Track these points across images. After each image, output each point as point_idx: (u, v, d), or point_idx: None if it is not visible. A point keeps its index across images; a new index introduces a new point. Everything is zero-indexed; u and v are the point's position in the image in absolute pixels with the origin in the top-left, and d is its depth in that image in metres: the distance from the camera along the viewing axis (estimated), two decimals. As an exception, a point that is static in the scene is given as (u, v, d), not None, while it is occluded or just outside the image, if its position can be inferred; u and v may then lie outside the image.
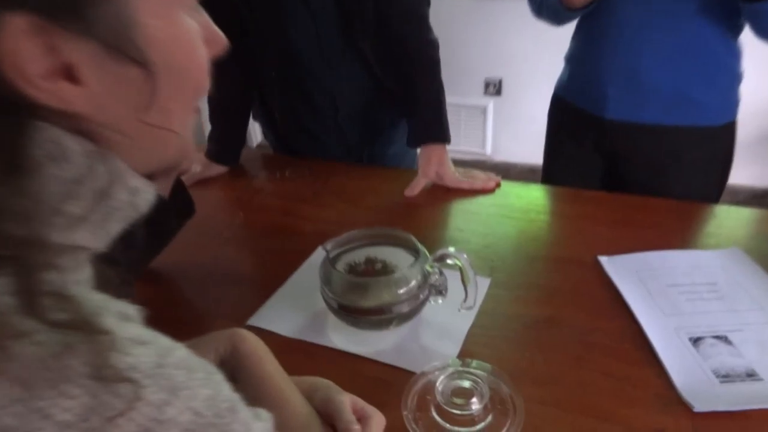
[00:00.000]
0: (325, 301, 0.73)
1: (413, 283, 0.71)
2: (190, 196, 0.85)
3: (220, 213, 1.06)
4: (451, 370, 0.63)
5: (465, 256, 0.70)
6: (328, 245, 0.77)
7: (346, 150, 1.27)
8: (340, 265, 0.77)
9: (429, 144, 1.08)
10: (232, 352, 0.57)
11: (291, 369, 0.68)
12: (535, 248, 0.89)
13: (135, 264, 0.85)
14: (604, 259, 0.84)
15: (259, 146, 2.75)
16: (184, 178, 1.16)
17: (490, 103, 2.77)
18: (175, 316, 0.80)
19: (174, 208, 0.82)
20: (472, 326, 0.73)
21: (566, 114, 1.21)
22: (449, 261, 0.70)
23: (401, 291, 0.70)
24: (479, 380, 0.61)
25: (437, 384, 0.60)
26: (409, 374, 0.66)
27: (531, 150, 2.80)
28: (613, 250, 0.85)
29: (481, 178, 1.09)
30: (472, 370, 0.63)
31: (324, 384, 0.58)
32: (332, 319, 0.74)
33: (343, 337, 0.73)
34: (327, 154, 1.26)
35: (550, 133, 1.30)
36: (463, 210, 1.02)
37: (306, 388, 0.58)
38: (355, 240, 0.80)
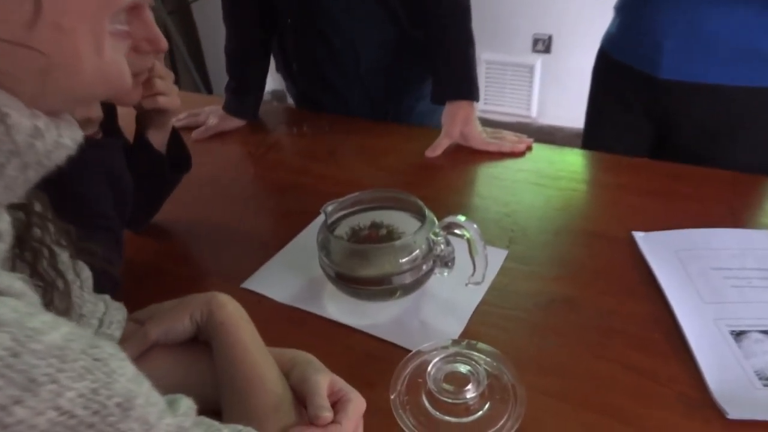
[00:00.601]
0: (323, 268, 0.68)
1: (417, 252, 0.64)
2: (186, 149, 0.80)
3: (230, 169, 1.02)
4: (449, 351, 0.57)
5: (475, 226, 0.63)
6: (329, 207, 0.71)
7: (370, 106, 1.19)
8: (342, 229, 0.71)
9: (454, 100, 0.99)
10: (208, 319, 0.53)
11: (278, 338, 0.64)
12: (562, 219, 0.80)
13: (132, 220, 0.81)
14: (639, 235, 0.74)
15: (276, 97, 2.69)
16: (199, 131, 1.13)
17: (538, 62, 2.59)
18: (171, 271, 0.77)
19: (167, 161, 0.77)
20: (480, 303, 0.66)
21: (613, 72, 1.08)
22: (457, 231, 0.63)
23: (403, 260, 0.64)
24: (479, 365, 0.55)
25: (430, 367, 0.54)
26: (404, 352, 0.60)
27: (580, 114, 2.62)
28: (651, 226, 0.75)
29: (510, 140, 0.99)
30: (472, 353, 0.57)
31: (304, 359, 0.53)
32: (330, 287, 0.69)
33: (339, 307, 0.68)
34: (349, 109, 1.18)
35: (593, 94, 1.17)
36: (486, 174, 0.93)
37: (285, 363, 0.53)
38: (360, 203, 0.74)
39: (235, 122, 1.15)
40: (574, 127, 2.65)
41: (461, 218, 0.63)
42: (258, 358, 0.50)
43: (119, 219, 0.69)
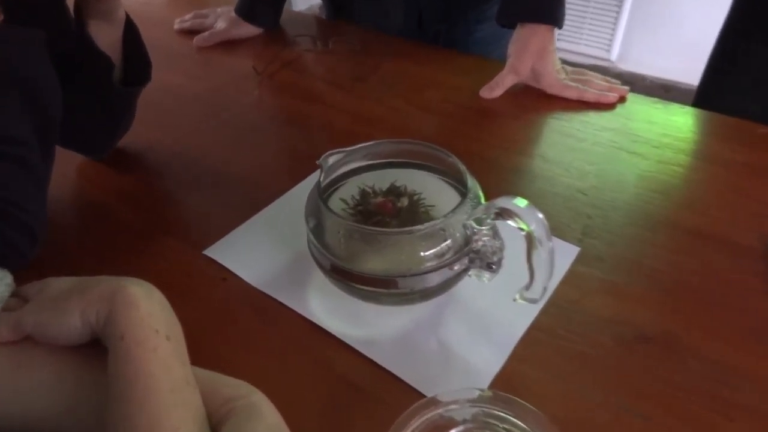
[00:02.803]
0: (311, 251, 0.48)
1: (448, 242, 0.43)
2: (145, 53, 0.59)
3: (230, 88, 0.80)
4: (474, 409, 0.37)
5: (540, 216, 0.40)
6: (330, 159, 0.49)
7: (417, 24, 0.94)
8: (347, 191, 0.50)
9: (529, 23, 0.73)
10: (106, 324, 0.34)
11: (235, 337, 0.45)
12: (661, 208, 0.56)
13: (87, 144, 0.62)
14: (780, 248, 0.50)
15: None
16: (202, 36, 0.91)
17: (629, -5, 2.21)
18: (121, 218, 0.58)
19: (118, 68, 0.57)
20: (530, 327, 0.45)
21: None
22: (511, 222, 0.40)
23: (427, 253, 0.43)
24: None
25: (444, 438, 0.35)
26: (409, 394, 0.40)
27: (670, 62, 2.26)
28: (800, 235, 0.51)
29: (597, 86, 0.74)
30: (508, 416, 0.36)
31: (247, 407, 0.34)
32: (319, 274, 0.49)
33: (327, 306, 0.48)
34: (390, 25, 0.94)
35: (729, 26, 0.83)
36: (558, 130, 0.69)
37: (217, 407, 0.34)
38: (376, 155, 0.52)
39: (247, 29, 0.92)
40: (661, 78, 2.29)
41: (521, 203, 0.41)
42: (164, 406, 0.31)
43: (41, 144, 0.50)
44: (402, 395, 0.40)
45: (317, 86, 0.80)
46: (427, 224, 0.42)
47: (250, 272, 0.51)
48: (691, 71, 2.29)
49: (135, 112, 0.66)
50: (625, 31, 2.29)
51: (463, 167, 0.47)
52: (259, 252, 0.53)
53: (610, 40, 2.30)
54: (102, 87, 0.56)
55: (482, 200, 0.46)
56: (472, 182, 0.46)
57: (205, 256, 0.53)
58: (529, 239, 0.40)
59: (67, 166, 0.65)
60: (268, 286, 0.49)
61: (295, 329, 0.46)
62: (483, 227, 0.42)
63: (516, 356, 0.43)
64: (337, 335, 0.45)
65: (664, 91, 2.24)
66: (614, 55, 2.34)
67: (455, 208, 0.43)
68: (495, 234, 0.43)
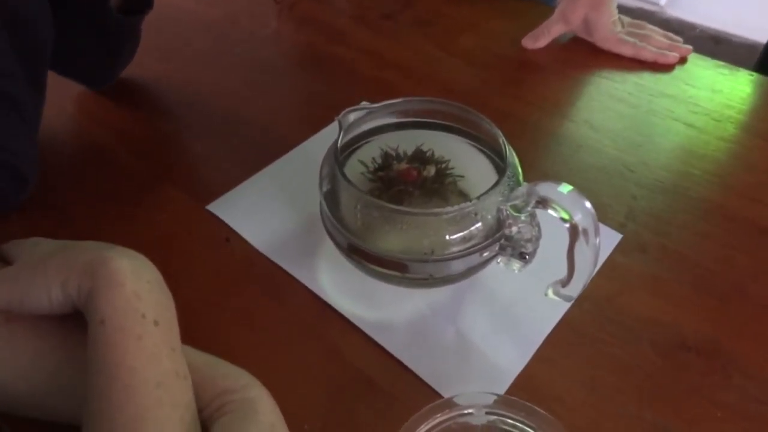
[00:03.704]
0: (324, 223, 0.43)
1: (478, 225, 0.38)
2: None
3: (244, 19, 0.73)
4: (490, 417, 0.33)
5: (589, 206, 0.35)
6: (351, 116, 0.44)
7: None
8: (367, 153, 0.45)
9: (586, -35, 0.64)
10: (87, 302, 0.30)
11: (235, 311, 0.41)
12: (719, 194, 0.50)
13: (86, 74, 0.57)
14: None
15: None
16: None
17: (690, -69, 2.00)
18: (121, 162, 0.54)
19: None
20: (559, 323, 0.41)
21: None
22: (552, 212, 0.35)
23: (453, 237, 0.38)
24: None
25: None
26: (421, 389, 0.37)
27: (724, 11, 2.07)
28: None
29: (656, 42, 0.65)
30: (526, 428, 0.33)
31: (243, 404, 0.31)
32: (331, 245, 0.44)
33: (339, 283, 0.44)
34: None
35: None
36: (609, 92, 0.61)
37: (210, 400, 0.31)
38: (401, 114, 0.46)
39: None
40: (713, 29, 2.12)
41: (566, 189, 0.35)
42: (147, 406, 0.28)
43: (29, 74, 0.45)
44: (413, 391, 0.37)
45: (341, 22, 0.72)
46: (456, 207, 0.37)
47: (256, 234, 0.47)
48: (746, 23, 2.12)
49: (139, 39, 0.59)
50: (679, -27, 2.10)
51: (501, 136, 0.41)
52: (268, 212, 0.48)
53: (663, -18, 2.11)
54: (98, 14, 0.50)
55: (521, 178, 0.41)
56: (510, 155, 0.41)
57: (208, 211, 0.49)
58: (573, 232, 0.35)
59: (63, 98, 0.60)
60: (275, 253, 0.45)
61: (302, 306, 0.42)
62: (521, 216, 0.37)
63: (541, 356, 0.39)
64: (347, 316, 0.41)
65: (714, 43, 2.08)
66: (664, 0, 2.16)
67: (490, 189, 0.37)
68: (532, 220, 0.38)
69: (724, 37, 2.10)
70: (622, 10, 0.66)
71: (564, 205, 0.35)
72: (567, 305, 0.41)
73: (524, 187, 0.36)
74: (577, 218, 0.35)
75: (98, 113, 0.59)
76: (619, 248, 0.46)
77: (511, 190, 0.39)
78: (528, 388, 0.37)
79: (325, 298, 0.42)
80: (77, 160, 0.54)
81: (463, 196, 0.44)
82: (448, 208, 0.37)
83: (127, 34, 0.55)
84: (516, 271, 0.40)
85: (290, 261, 0.44)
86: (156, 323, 0.30)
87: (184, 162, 0.54)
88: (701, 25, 2.12)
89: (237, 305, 0.42)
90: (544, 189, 0.35)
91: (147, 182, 0.52)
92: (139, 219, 0.49)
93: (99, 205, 0.50)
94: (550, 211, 0.35)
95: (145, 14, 0.54)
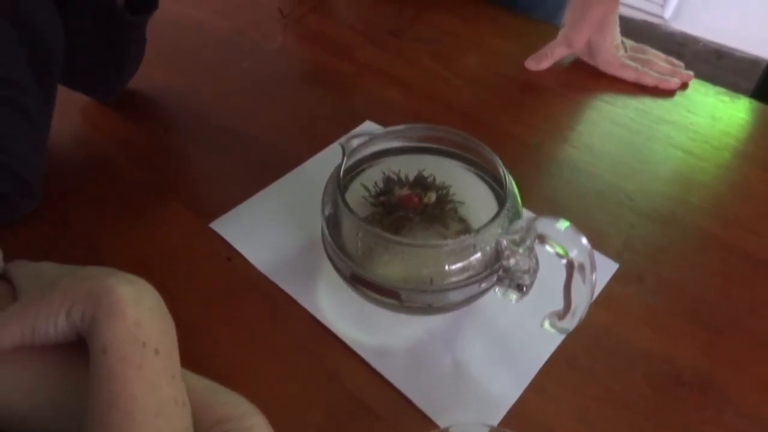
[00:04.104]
0: (323, 243, 0.43)
1: (477, 256, 0.38)
2: None
3: (250, 30, 0.74)
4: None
5: (584, 242, 0.35)
6: (354, 141, 0.44)
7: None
8: (369, 177, 0.46)
9: (591, -11, 0.64)
10: (90, 329, 0.31)
11: (231, 334, 0.42)
12: (717, 225, 0.51)
13: (90, 84, 0.57)
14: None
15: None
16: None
17: (696, -55, 2.01)
18: (126, 176, 0.54)
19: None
20: (554, 353, 0.41)
21: None
22: (549, 248, 0.35)
23: (453, 267, 0.38)
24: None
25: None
26: (417, 418, 0.37)
27: (729, 26, 2.08)
28: None
29: (659, 68, 0.66)
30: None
31: (244, 430, 0.31)
32: (331, 268, 0.44)
33: (339, 307, 0.44)
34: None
35: None
36: (610, 117, 0.62)
37: (208, 425, 0.31)
38: (404, 137, 0.47)
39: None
40: (717, 43, 2.13)
41: (563, 225, 0.36)
42: (148, 422, 0.28)
43: (39, 84, 0.45)
44: (408, 418, 0.37)
45: (347, 37, 0.73)
46: (456, 240, 0.37)
47: (257, 254, 0.47)
48: (749, 38, 2.13)
49: (144, 47, 0.60)
50: (685, -14, 2.10)
51: (502, 166, 0.42)
52: (270, 232, 0.49)
53: (667, -5, 2.12)
54: (103, 13, 0.50)
55: (520, 208, 0.41)
56: (510, 186, 0.41)
57: (211, 229, 0.49)
58: (570, 268, 0.36)
59: (71, 108, 0.60)
60: (276, 273, 0.46)
61: (301, 329, 0.43)
62: (520, 249, 0.37)
63: (535, 386, 0.39)
64: (345, 341, 0.41)
65: (717, 56, 2.08)
66: (668, 12, 2.16)
67: (490, 222, 0.38)
68: (530, 253, 0.39)
69: (726, 51, 2.11)
70: (626, 22, 0.66)
71: (561, 242, 0.35)
72: (563, 336, 0.42)
73: (523, 222, 0.37)
74: (574, 255, 0.35)
75: (104, 124, 0.59)
76: (616, 278, 0.46)
77: (511, 221, 0.39)
78: (522, 418, 0.38)
79: (325, 322, 0.43)
80: (82, 171, 0.54)
81: (463, 223, 0.45)
82: (449, 241, 0.37)
83: (132, 38, 0.55)
84: (513, 302, 0.40)
85: (291, 283, 0.45)
86: (156, 352, 0.30)
87: (187, 177, 0.55)
88: (704, 39, 2.13)
89: (236, 325, 0.43)
90: (542, 225, 0.35)
91: (151, 196, 0.52)
92: (141, 234, 0.49)
93: (102, 218, 0.50)
94: (548, 247, 0.35)
95: (150, 14, 0.54)
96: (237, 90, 0.64)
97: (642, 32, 2.12)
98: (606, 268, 0.46)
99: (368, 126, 0.60)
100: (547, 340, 0.41)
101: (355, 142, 0.44)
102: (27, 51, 0.43)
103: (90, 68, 0.56)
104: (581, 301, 0.37)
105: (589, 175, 0.55)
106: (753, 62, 2.07)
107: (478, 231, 0.37)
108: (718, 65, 2.11)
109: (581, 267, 0.36)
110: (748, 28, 2.07)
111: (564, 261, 0.35)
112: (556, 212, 0.51)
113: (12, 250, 0.45)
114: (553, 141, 0.59)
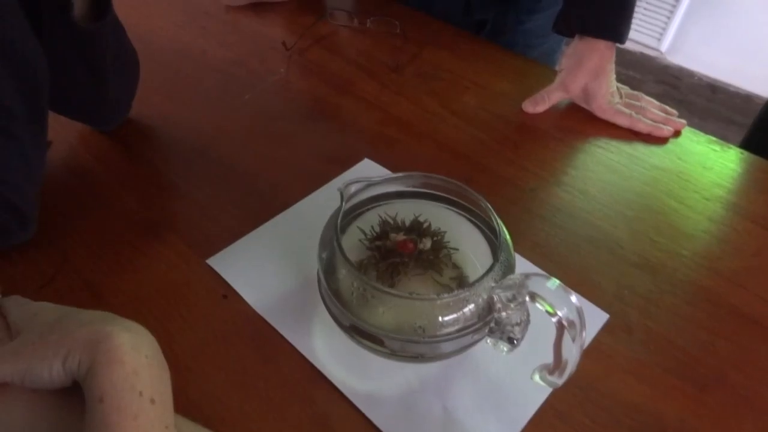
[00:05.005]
0: (319, 287, 0.44)
1: (470, 307, 0.39)
2: None
3: (253, 60, 0.75)
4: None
5: (574, 300, 0.36)
6: (353, 187, 0.45)
7: (465, 7, 0.86)
8: (366, 221, 0.46)
9: (588, 37, 0.66)
10: (87, 378, 0.31)
11: (224, 375, 0.42)
12: (706, 278, 0.52)
13: (84, 113, 0.58)
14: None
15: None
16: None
17: (693, -17, 2.06)
18: (122, 209, 0.54)
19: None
20: (543, 404, 0.42)
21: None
22: (539, 305, 0.36)
23: (446, 318, 0.39)
24: None
25: None
26: (404, 467, 0.38)
27: (722, 61, 2.13)
28: None
29: (652, 115, 0.67)
30: None
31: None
32: (324, 308, 0.45)
33: (331, 348, 0.44)
34: (436, 10, 0.86)
35: None
36: (604, 162, 0.63)
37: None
38: (401, 182, 0.48)
39: (282, -7, 0.85)
40: (711, 77, 2.17)
41: (554, 284, 0.36)
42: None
43: (30, 112, 0.46)
44: (398, 468, 0.38)
45: (349, 72, 0.74)
46: (450, 294, 0.38)
47: (253, 293, 0.48)
48: (744, 73, 2.17)
49: (134, 69, 0.60)
50: (680, 21, 2.14)
51: (496, 217, 0.43)
52: (266, 269, 0.49)
53: (664, 29, 2.16)
54: (66, 29, 0.49)
55: (513, 259, 0.42)
56: (504, 237, 0.42)
57: (208, 265, 0.50)
58: (560, 326, 0.36)
59: (70, 136, 0.61)
60: (270, 314, 0.46)
61: (294, 370, 0.43)
62: (512, 305, 0.38)
63: (525, 437, 0.40)
64: (337, 385, 0.42)
65: (711, 91, 2.12)
66: (665, 46, 2.20)
67: (484, 275, 0.39)
68: (522, 306, 0.39)
69: (721, 86, 2.15)
70: (623, 54, 0.68)
71: (551, 300, 0.36)
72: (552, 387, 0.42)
73: (516, 278, 0.38)
74: (563, 313, 0.36)
75: (104, 155, 0.60)
76: (606, 328, 0.47)
77: (504, 271, 0.40)
78: (509, 471, 0.38)
79: (317, 365, 0.43)
80: (80, 201, 0.55)
81: (457, 270, 0.46)
82: (444, 295, 0.38)
83: (101, 52, 0.53)
84: (503, 353, 0.41)
85: (285, 323, 0.45)
86: (152, 401, 0.31)
87: (185, 211, 0.55)
88: (699, 73, 2.17)
89: (230, 364, 0.43)
90: (533, 283, 0.36)
91: (148, 229, 0.53)
92: (138, 267, 0.49)
93: (99, 250, 0.51)
94: (538, 305, 0.36)
95: (101, 22, 0.51)
96: (237, 123, 0.65)
97: (638, 64, 2.16)
98: (597, 319, 0.47)
99: (366, 164, 0.61)
100: (536, 390, 0.42)
101: (353, 188, 0.45)
102: (16, 82, 0.44)
103: (73, 89, 0.53)
104: (571, 358, 0.37)
105: (582, 222, 0.56)
106: (746, 98, 2.11)
107: (472, 285, 0.38)
108: (712, 99, 2.15)
109: (571, 325, 0.36)
110: (743, 64, 2.11)
111: (554, 319, 0.36)
112: (548, 258, 0.52)
113: (9, 283, 0.45)
114: (548, 185, 0.60)
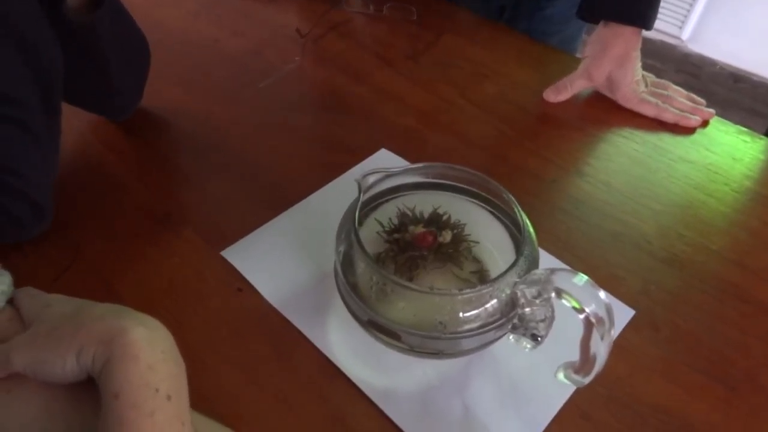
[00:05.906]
0: (336, 281, 0.43)
1: (492, 303, 0.38)
2: None
3: (268, 49, 0.73)
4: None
5: (602, 296, 0.35)
6: (371, 178, 0.43)
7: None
8: (384, 213, 0.45)
9: (613, 22, 0.64)
10: (102, 373, 0.30)
11: (238, 369, 0.41)
12: (737, 275, 0.50)
13: (95, 102, 0.57)
14: None
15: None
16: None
17: (716, -31, 2.00)
18: (136, 200, 0.54)
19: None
20: (567, 403, 0.40)
21: None
22: (565, 301, 0.35)
23: (467, 314, 0.37)
24: None
25: None
26: (423, 466, 0.37)
27: (746, 50, 2.07)
28: None
29: (679, 104, 0.65)
30: None
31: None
32: (341, 302, 0.44)
33: (348, 343, 0.43)
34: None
35: None
36: (628, 154, 0.61)
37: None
38: (420, 173, 0.46)
39: (296, -21, 0.84)
40: (733, 66, 2.11)
41: (581, 280, 0.35)
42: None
43: (45, 104, 0.45)
44: (416, 468, 0.37)
45: (365, 60, 0.73)
46: (473, 290, 0.36)
47: (268, 286, 0.47)
48: (767, 63, 2.11)
49: (143, 59, 0.59)
50: (703, 9, 2.09)
51: (519, 209, 0.41)
52: (281, 262, 0.48)
53: (685, 18, 2.10)
54: (58, 18, 0.48)
55: (537, 254, 0.40)
56: (527, 231, 0.40)
57: (222, 257, 0.49)
58: (587, 323, 0.35)
59: (83, 126, 0.60)
60: (286, 307, 0.45)
61: (309, 365, 0.42)
62: (537, 301, 0.36)
63: (547, 437, 0.39)
64: (354, 381, 0.41)
65: (733, 80, 2.07)
66: (686, 34, 2.15)
67: (507, 270, 0.37)
68: (546, 302, 0.38)
69: (743, 76, 2.09)
70: (644, 42, 0.65)
71: (578, 296, 0.34)
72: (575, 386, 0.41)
73: (541, 274, 0.36)
74: (591, 309, 0.34)
75: (117, 144, 0.59)
76: (632, 325, 0.45)
77: (528, 266, 0.39)
78: (532, 472, 0.37)
79: (333, 360, 0.42)
80: (94, 193, 0.54)
81: (478, 263, 0.45)
82: (466, 290, 0.37)
83: (95, 42, 0.51)
84: (526, 350, 0.39)
85: (301, 317, 0.45)
86: (168, 398, 0.30)
87: (200, 202, 0.54)
88: (721, 62, 2.11)
89: (244, 358, 0.42)
90: (559, 279, 0.35)
91: (162, 221, 0.52)
92: (152, 260, 0.49)
93: (112, 242, 0.50)
94: (564, 302, 0.35)
95: (94, 13, 0.49)
96: (251, 112, 0.64)
97: (658, 53, 2.11)
98: (622, 315, 0.46)
99: (383, 154, 0.59)
100: (560, 388, 0.41)
101: (371, 179, 0.43)
102: (33, 73, 0.43)
103: (76, 80, 0.52)
104: (599, 357, 0.36)
105: (606, 215, 0.54)
106: (770, 88, 2.06)
107: (495, 280, 0.37)
108: (734, 89, 2.09)
109: (600, 322, 0.35)
110: (766, 53, 2.05)
111: (581, 316, 0.35)
112: (570, 252, 0.50)
113: (22, 276, 0.45)
114: (569, 176, 0.58)
